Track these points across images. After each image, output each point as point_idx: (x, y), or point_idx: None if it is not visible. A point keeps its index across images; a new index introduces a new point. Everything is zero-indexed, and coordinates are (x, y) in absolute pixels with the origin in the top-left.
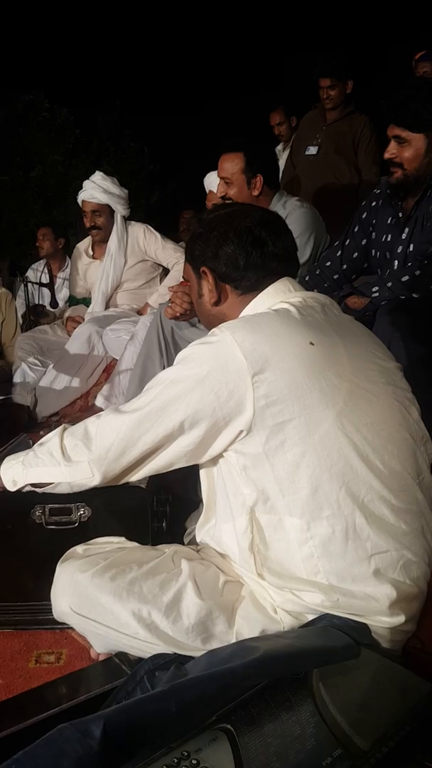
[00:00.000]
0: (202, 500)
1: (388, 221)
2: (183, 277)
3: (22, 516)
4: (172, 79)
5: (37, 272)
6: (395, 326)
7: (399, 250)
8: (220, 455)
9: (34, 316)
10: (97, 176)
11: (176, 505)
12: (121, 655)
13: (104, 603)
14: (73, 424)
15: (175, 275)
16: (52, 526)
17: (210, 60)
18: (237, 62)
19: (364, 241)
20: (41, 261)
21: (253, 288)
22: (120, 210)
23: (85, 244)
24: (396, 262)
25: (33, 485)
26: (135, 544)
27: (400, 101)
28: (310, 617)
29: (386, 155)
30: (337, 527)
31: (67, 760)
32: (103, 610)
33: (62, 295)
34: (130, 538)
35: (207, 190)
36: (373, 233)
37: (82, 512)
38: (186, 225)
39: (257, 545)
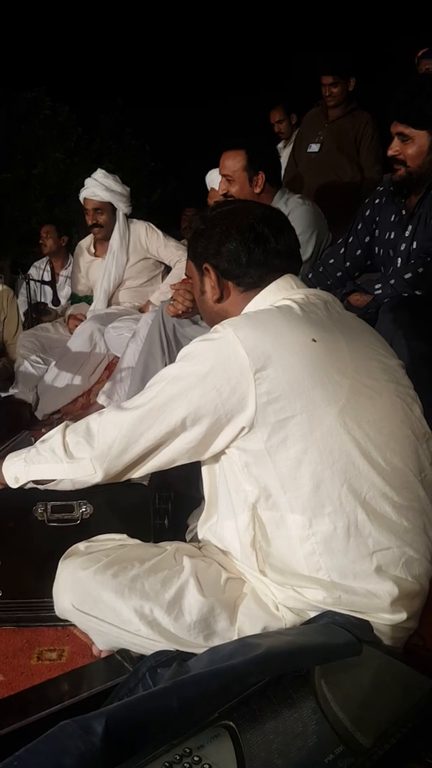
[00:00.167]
0: (203, 497)
1: (392, 219)
2: (185, 274)
3: (24, 513)
4: (173, 77)
5: (39, 270)
6: (398, 323)
7: (402, 248)
8: (222, 452)
9: (36, 314)
10: (99, 174)
11: (178, 503)
12: (123, 652)
13: (106, 600)
14: (75, 422)
15: (177, 273)
16: (54, 524)
17: (212, 58)
18: (239, 60)
19: (367, 239)
20: (44, 259)
21: (256, 285)
22: (122, 208)
23: (87, 242)
24: (399, 260)
25: (35, 482)
26: (137, 541)
27: (403, 98)
28: (312, 614)
29: (389, 152)
30: (338, 524)
31: (69, 757)
32: (105, 607)
33: (64, 292)
34: (131, 536)
35: (209, 188)
36: (377, 231)
37: (84, 509)
38: (188, 222)
39: (259, 542)
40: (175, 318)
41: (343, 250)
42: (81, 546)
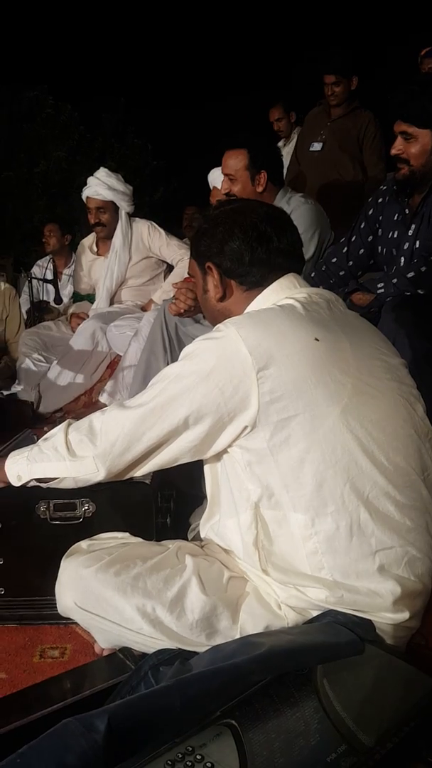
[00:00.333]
0: (206, 496)
1: (395, 218)
2: (188, 273)
3: (27, 511)
4: (176, 76)
5: (42, 268)
6: (400, 323)
7: (405, 247)
8: (224, 451)
9: (38, 312)
10: (102, 173)
11: (180, 501)
12: (126, 651)
13: (108, 598)
14: (78, 420)
15: (180, 272)
16: (57, 522)
17: (214, 57)
18: (241, 59)
19: (370, 238)
20: (46, 257)
21: (258, 284)
22: (124, 207)
23: (89, 241)
24: (402, 259)
25: (38, 480)
26: (139, 539)
27: (407, 97)
28: (315, 613)
29: (393, 151)
30: (341, 523)
31: (72, 755)
32: (108, 606)
33: (67, 291)
34: (134, 534)
35: (211, 187)
36: (380, 230)
37: (86, 507)
38: (188, 221)
39: (261, 541)
40: (177, 317)
41: (345, 249)
42: (83, 544)
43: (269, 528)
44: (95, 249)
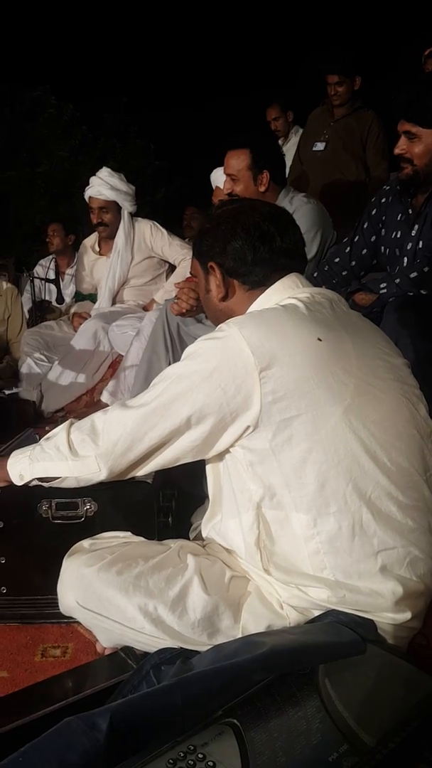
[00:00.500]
0: (207, 495)
1: (398, 218)
2: (190, 273)
3: (29, 510)
4: (178, 75)
5: (45, 268)
6: (403, 323)
7: (408, 247)
8: (226, 451)
9: (40, 312)
10: (104, 172)
11: (182, 500)
12: (127, 650)
13: (110, 597)
14: (80, 420)
15: (182, 272)
16: (59, 521)
17: (216, 56)
18: (244, 58)
19: (373, 238)
20: (49, 257)
21: (261, 283)
22: (127, 206)
23: (91, 241)
24: (405, 259)
25: (40, 479)
26: (141, 538)
27: (410, 97)
28: (316, 613)
29: (396, 151)
30: (343, 523)
31: (74, 753)
32: (109, 605)
33: (69, 290)
34: (136, 533)
35: (213, 186)
36: (383, 230)
37: (88, 507)
38: (188, 221)
39: (263, 541)
40: (179, 316)
41: (348, 248)
42: (85, 543)
43: (271, 528)
44: (97, 249)
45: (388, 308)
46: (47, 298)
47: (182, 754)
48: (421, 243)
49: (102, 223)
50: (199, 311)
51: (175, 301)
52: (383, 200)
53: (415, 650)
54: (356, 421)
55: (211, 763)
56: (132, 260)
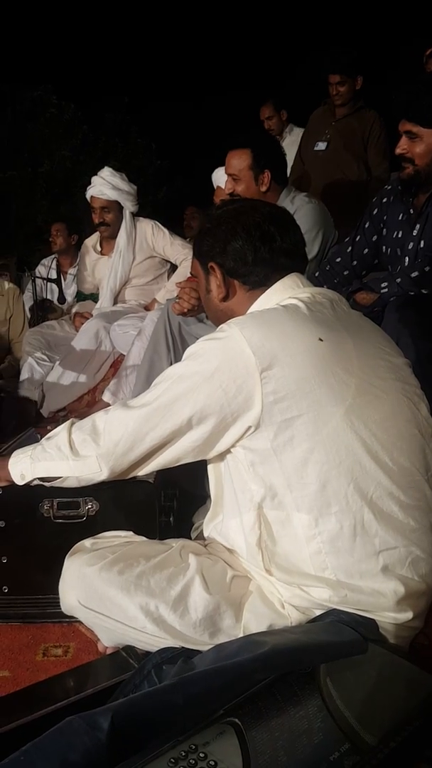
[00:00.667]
0: (209, 495)
1: (399, 217)
2: (191, 273)
3: (31, 510)
4: (179, 74)
5: (47, 268)
6: (404, 322)
7: (410, 247)
8: (227, 451)
9: (42, 311)
10: (106, 172)
11: (183, 500)
12: (129, 649)
13: (112, 597)
14: (81, 419)
15: (183, 271)
16: (60, 520)
17: (218, 55)
18: (245, 57)
19: (374, 238)
20: (51, 256)
21: (262, 283)
22: (128, 206)
23: (93, 240)
24: (407, 259)
25: (41, 479)
26: (142, 538)
27: (411, 96)
28: (318, 612)
29: (397, 150)
30: (345, 523)
31: (75, 752)
32: (111, 604)
33: (71, 290)
34: (137, 533)
35: (215, 186)
36: (384, 229)
37: (89, 506)
38: (188, 221)
39: (265, 541)
40: (180, 316)
41: (350, 248)
42: (87, 543)
43: (272, 528)
44: (99, 248)
45: (390, 308)
46: (49, 297)
47: (183, 753)
48: (422, 242)
49: (104, 223)
50: (201, 311)
51: (177, 300)
52: (384, 200)
53: (417, 650)
54: (358, 421)
55: (212, 762)
56: (134, 260)
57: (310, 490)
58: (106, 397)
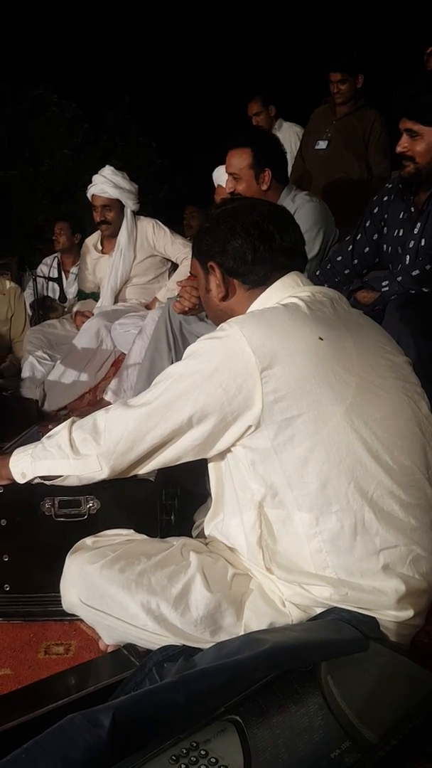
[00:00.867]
0: (210, 493)
1: (400, 216)
2: (190, 272)
3: (32, 508)
4: (180, 73)
5: (48, 267)
6: (405, 321)
7: (411, 245)
8: (228, 450)
9: (43, 310)
10: (108, 171)
11: (184, 498)
12: (130, 647)
13: (113, 594)
14: (82, 418)
15: (184, 270)
16: (62, 519)
17: (219, 55)
18: (247, 57)
19: (375, 236)
20: (52, 255)
21: (261, 282)
22: (130, 205)
23: (93, 239)
24: (408, 257)
25: (42, 478)
26: (144, 536)
27: (412, 95)
28: (319, 610)
29: (398, 149)
30: (345, 522)
31: (77, 750)
32: (112, 602)
33: (73, 289)
34: (138, 531)
35: (216, 185)
36: (385, 228)
37: (91, 504)
38: (188, 220)
39: (265, 540)
40: (181, 315)
41: (351, 247)
42: (88, 541)
43: (273, 527)
44: (100, 247)
45: (390, 306)
46: (51, 296)
47: (185, 751)
48: (423, 241)
49: (105, 221)
50: (202, 309)
51: (178, 299)
52: (385, 198)
53: (417, 648)
54: (358, 420)
55: (213, 760)
56: (134, 259)
57: (310, 489)
58: (107, 395)
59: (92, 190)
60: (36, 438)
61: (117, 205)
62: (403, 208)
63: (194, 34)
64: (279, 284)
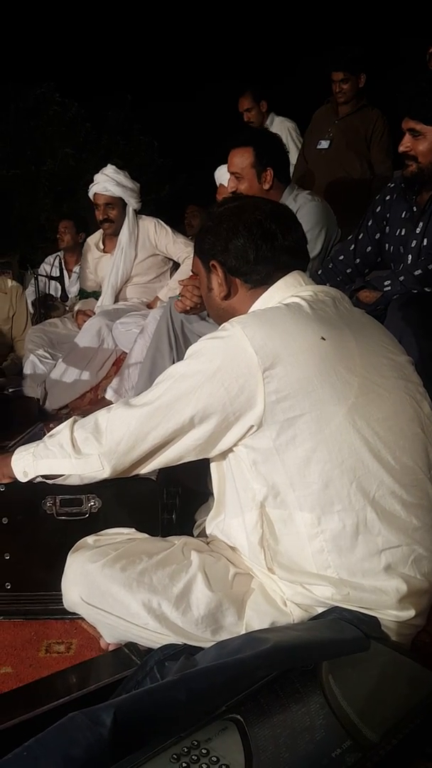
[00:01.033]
0: (211, 493)
1: (402, 215)
2: (192, 271)
3: (33, 507)
4: (182, 72)
5: (50, 265)
6: (407, 320)
7: (413, 245)
8: (230, 450)
9: (44, 309)
10: (110, 169)
11: (186, 497)
12: (131, 646)
13: (114, 593)
14: (83, 417)
15: (186, 269)
16: (63, 517)
17: (220, 54)
18: (248, 56)
19: (377, 236)
20: (55, 254)
21: (263, 282)
22: (132, 203)
23: (95, 238)
24: (410, 257)
25: (44, 476)
26: (145, 535)
27: (414, 94)
28: (320, 610)
29: (401, 148)
30: (347, 522)
31: (78, 748)
32: (113, 601)
33: (75, 288)
34: (140, 530)
35: (217, 184)
36: (387, 227)
37: (92, 503)
38: (189, 219)
39: (267, 540)
40: (183, 314)
41: (353, 246)
42: (89, 539)
43: (275, 527)
44: (101, 246)
45: (392, 306)
46: (52, 294)
47: (186, 750)
48: (425, 240)
49: (107, 220)
50: (203, 308)
51: (179, 298)
52: (388, 198)
53: (419, 648)
54: (360, 420)
55: (214, 759)
56: (136, 257)
57: (312, 489)
58: (109, 394)
59: (94, 189)
60: (39, 436)
61: (119, 204)
62: (405, 207)
63: (196, 33)
64: (281, 283)
